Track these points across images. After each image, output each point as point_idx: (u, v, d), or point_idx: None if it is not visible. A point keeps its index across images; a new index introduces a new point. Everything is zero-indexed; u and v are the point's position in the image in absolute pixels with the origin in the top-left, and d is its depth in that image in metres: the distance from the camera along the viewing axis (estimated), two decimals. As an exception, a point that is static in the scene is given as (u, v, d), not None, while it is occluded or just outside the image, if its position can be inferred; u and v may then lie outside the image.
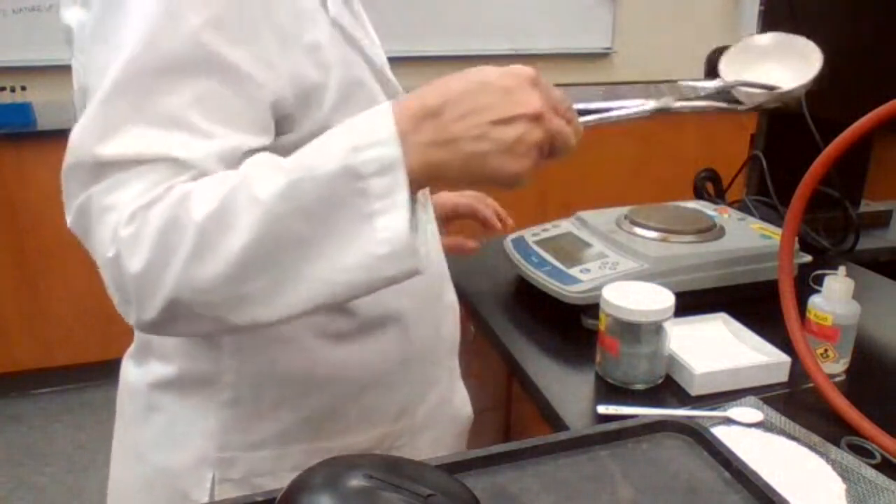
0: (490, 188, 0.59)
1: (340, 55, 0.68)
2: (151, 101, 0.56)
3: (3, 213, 2.52)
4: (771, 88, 0.62)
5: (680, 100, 0.59)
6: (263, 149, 0.61)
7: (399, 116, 0.55)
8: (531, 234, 1.20)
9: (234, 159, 0.59)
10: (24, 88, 2.60)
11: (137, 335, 0.78)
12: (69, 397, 2.73)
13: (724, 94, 0.62)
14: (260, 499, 0.52)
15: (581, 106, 0.62)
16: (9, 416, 2.64)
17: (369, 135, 0.54)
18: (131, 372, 0.79)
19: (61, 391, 2.76)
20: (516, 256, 1.16)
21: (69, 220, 0.58)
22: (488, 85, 0.56)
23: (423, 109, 0.55)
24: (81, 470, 2.36)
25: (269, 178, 0.54)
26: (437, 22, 3.67)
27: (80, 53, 0.62)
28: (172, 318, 0.56)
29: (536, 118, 0.56)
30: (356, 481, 0.45)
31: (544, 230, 1.21)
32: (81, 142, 0.56)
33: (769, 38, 0.65)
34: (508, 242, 1.20)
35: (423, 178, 0.56)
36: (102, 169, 0.55)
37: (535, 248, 1.15)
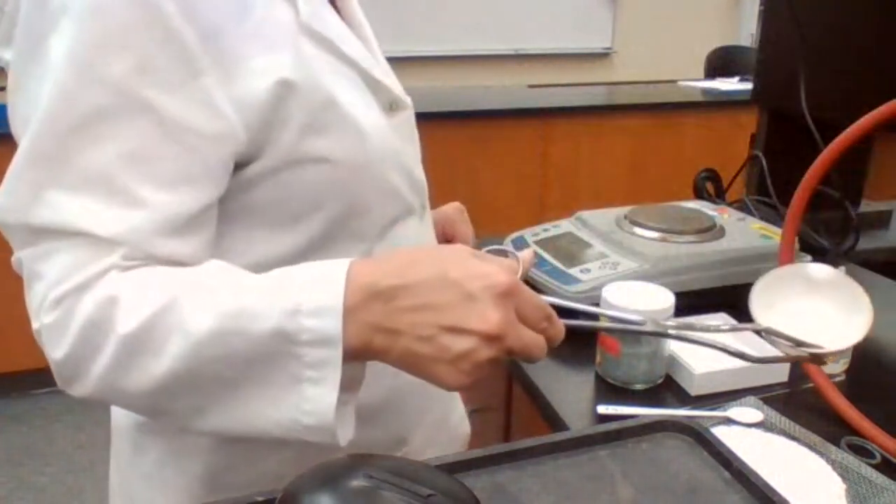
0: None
1: (305, 70, 0.61)
2: (74, 162, 0.52)
3: (4, 213, 2.52)
4: (811, 346, 0.51)
5: (677, 329, 0.55)
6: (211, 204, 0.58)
7: (351, 288, 0.51)
8: (531, 234, 1.20)
9: (176, 227, 0.55)
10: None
11: None
12: (69, 397, 2.68)
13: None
14: (260, 499, 0.52)
15: (574, 306, 0.59)
16: (9, 416, 2.64)
17: (315, 300, 0.50)
18: (117, 411, 0.77)
19: (61, 391, 2.74)
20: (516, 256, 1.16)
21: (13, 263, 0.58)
22: (452, 284, 0.50)
23: (375, 288, 0.51)
24: (81, 470, 2.36)
25: (204, 311, 0.51)
26: (437, 22, 3.67)
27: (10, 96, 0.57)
28: (100, 402, 0.56)
29: (489, 338, 0.50)
30: (356, 481, 0.45)
31: (544, 230, 1.21)
32: (7, 205, 0.54)
33: (825, 272, 0.54)
34: (508, 242, 1.20)
35: (360, 357, 0.53)
36: (30, 234, 0.54)
37: (535, 247, 1.15)
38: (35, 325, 0.55)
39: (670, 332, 0.55)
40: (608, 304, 0.88)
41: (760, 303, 0.55)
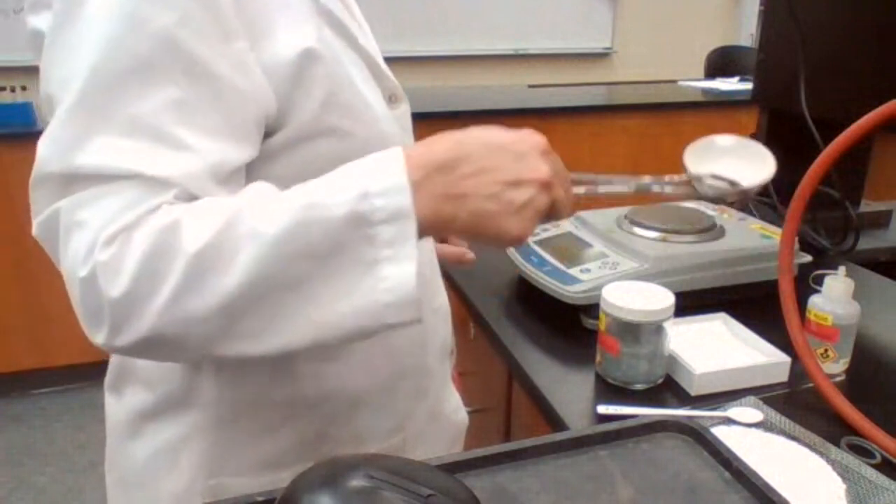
0: (486, 244, 0.59)
1: (326, 46, 0.63)
2: (120, 110, 0.53)
3: (4, 213, 2.52)
4: (734, 184, 0.68)
5: (657, 184, 0.68)
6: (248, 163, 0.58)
7: (411, 165, 0.54)
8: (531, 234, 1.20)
9: (220, 176, 0.56)
10: (24, 88, 2.60)
11: (113, 363, 0.75)
12: (69, 397, 2.73)
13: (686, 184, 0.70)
14: (260, 499, 0.52)
15: (573, 176, 0.64)
16: (9, 416, 2.64)
17: (381, 181, 0.53)
18: (111, 405, 0.77)
19: (61, 391, 2.76)
20: (516, 256, 1.16)
21: (34, 230, 0.56)
22: (502, 147, 0.57)
23: (436, 161, 0.55)
24: (81, 470, 2.36)
25: (274, 213, 0.52)
26: (437, 22, 3.68)
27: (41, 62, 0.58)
28: (149, 347, 0.53)
29: (545, 185, 0.57)
30: (356, 481, 0.45)
31: (544, 230, 1.21)
32: (49, 153, 0.53)
33: (730, 139, 0.72)
34: (508, 242, 1.20)
35: (429, 229, 0.56)
36: (72, 182, 0.53)
37: (535, 248, 1.15)
38: (82, 272, 0.51)
39: (652, 188, 0.68)
40: (608, 304, 0.88)
41: (692, 164, 0.70)
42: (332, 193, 0.53)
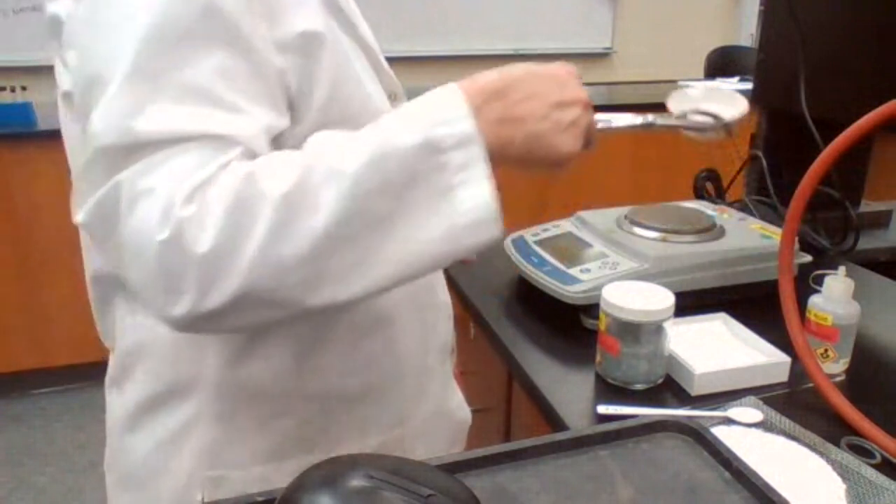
0: (537, 166, 0.63)
1: (332, 34, 0.65)
2: (173, 78, 0.54)
3: (4, 213, 2.52)
4: (716, 117, 0.76)
5: (660, 118, 0.76)
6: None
7: (469, 95, 0.58)
8: (531, 234, 1.20)
9: (270, 140, 0.58)
10: (24, 88, 2.60)
11: (116, 358, 0.75)
12: (69, 397, 2.73)
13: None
14: (260, 499, 0.52)
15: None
16: (9, 416, 2.64)
17: (444, 111, 0.57)
18: (112, 401, 0.77)
19: (61, 391, 2.76)
20: (516, 256, 1.16)
21: (82, 216, 0.55)
22: (543, 74, 0.62)
23: (489, 90, 0.59)
24: (81, 470, 2.36)
25: (349, 151, 0.54)
26: (437, 22, 3.67)
27: (72, 47, 0.58)
28: (238, 308, 0.52)
29: (586, 106, 0.64)
30: (356, 481, 0.45)
31: (544, 230, 1.21)
32: (105, 126, 0.53)
33: (700, 86, 0.81)
34: (508, 242, 1.20)
35: (491, 150, 0.58)
36: (134, 151, 0.52)
37: (535, 248, 1.15)
38: (161, 235, 0.50)
39: (657, 123, 0.76)
40: (608, 304, 0.88)
41: (675, 108, 0.79)
42: (400, 127, 0.56)
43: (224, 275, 0.51)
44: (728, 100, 0.78)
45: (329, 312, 0.58)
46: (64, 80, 0.63)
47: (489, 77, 0.60)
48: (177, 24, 0.54)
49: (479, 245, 0.57)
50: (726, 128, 0.76)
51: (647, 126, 0.75)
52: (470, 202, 0.56)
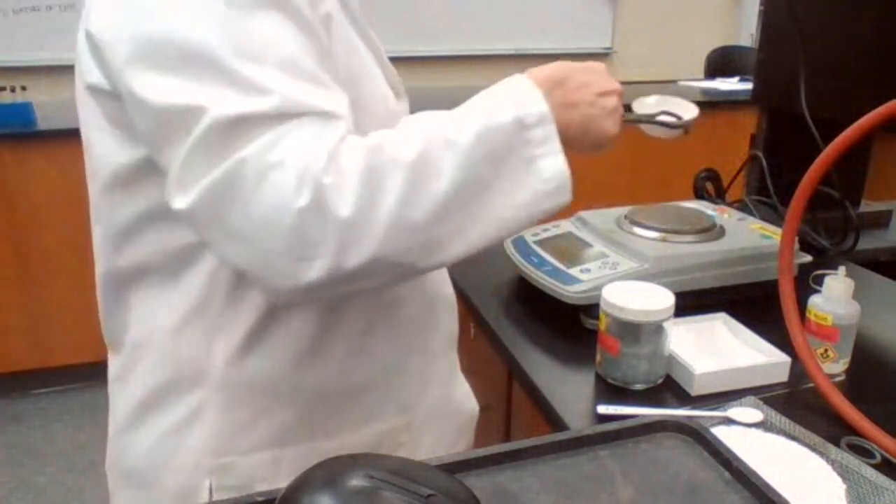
0: (587, 147, 0.71)
1: (346, 35, 0.69)
2: (273, 53, 0.56)
3: (4, 213, 2.52)
4: (678, 117, 0.88)
5: (636, 112, 0.90)
6: None
7: (537, 82, 0.66)
8: (531, 234, 1.20)
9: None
10: (24, 88, 2.60)
11: (118, 357, 0.76)
12: (69, 397, 2.73)
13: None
14: (260, 499, 0.52)
15: None
16: (9, 416, 2.64)
17: (523, 94, 0.65)
18: (116, 396, 0.77)
19: (61, 391, 2.76)
20: (516, 256, 1.16)
21: (189, 202, 0.56)
22: (588, 68, 0.72)
23: (551, 79, 0.68)
24: (81, 470, 2.36)
25: (460, 125, 0.61)
26: (438, 22, 3.67)
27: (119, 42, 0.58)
28: (371, 270, 0.57)
29: (620, 94, 0.73)
30: (356, 481, 0.45)
31: (544, 230, 1.21)
32: (214, 101, 0.54)
33: (653, 98, 0.92)
34: (508, 242, 1.20)
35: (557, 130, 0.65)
36: (251, 127, 0.54)
37: (535, 248, 1.15)
38: (300, 202, 0.53)
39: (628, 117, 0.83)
40: (608, 303, 0.88)
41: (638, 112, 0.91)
42: (494, 107, 0.64)
43: (364, 237, 0.55)
44: (683, 106, 0.91)
45: (431, 270, 0.64)
46: (93, 72, 0.62)
47: (548, 69, 0.69)
48: (258, 4, 0.57)
49: (556, 208, 0.65)
50: (685, 126, 0.88)
51: (633, 122, 0.87)
52: (550, 171, 0.64)
